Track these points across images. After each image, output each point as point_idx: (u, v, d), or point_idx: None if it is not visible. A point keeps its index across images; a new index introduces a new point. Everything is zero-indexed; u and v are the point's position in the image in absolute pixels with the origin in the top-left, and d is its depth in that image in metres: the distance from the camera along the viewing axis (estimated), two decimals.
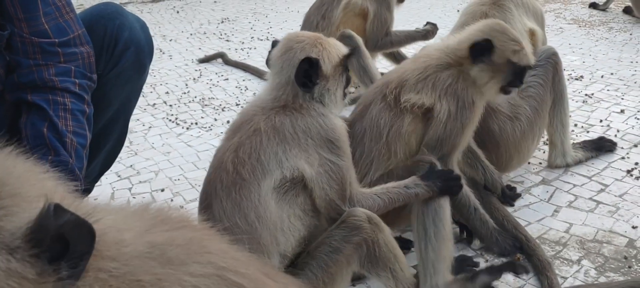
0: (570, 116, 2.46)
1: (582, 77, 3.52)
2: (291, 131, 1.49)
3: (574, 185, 2.32)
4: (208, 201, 1.47)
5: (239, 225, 1.40)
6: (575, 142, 2.55)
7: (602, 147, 2.55)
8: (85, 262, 0.69)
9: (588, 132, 2.78)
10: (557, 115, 2.36)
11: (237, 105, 3.42)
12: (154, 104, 3.50)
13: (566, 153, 2.43)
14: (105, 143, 1.85)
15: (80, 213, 0.69)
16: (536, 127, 2.28)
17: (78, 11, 1.66)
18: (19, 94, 1.55)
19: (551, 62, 2.31)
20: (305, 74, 1.52)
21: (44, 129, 1.50)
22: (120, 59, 1.73)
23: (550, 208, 2.18)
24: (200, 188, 2.43)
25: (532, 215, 2.14)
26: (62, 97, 1.54)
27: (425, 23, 3.43)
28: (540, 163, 2.51)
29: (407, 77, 1.88)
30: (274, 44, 1.64)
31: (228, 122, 3.17)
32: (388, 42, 3.07)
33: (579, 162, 2.46)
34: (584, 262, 1.88)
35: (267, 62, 1.65)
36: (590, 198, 2.22)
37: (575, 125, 2.84)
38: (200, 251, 0.79)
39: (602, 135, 2.68)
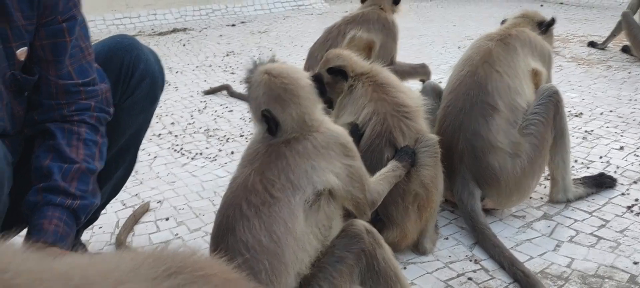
0: (570, 152, 2.49)
1: (581, 113, 3.57)
2: (313, 150, 1.57)
3: (575, 221, 2.34)
4: (230, 224, 1.48)
5: (263, 243, 1.43)
6: (575, 177, 2.58)
7: (602, 183, 2.57)
8: None
9: (588, 168, 2.82)
10: (559, 152, 2.39)
11: (241, 136, 3.47)
12: (160, 134, 3.55)
13: (567, 189, 2.46)
14: (115, 170, 1.89)
15: None
16: (537, 165, 2.31)
17: (93, 44, 1.72)
18: (37, 127, 1.60)
19: (552, 100, 2.35)
20: (321, 89, 1.67)
21: (47, 161, 1.54)
22: (135, 90, 1.78)
23: (552, 243, 2.19)
24: (204, 218, 2.48)
25: (534, 249, 2.16)
26: (77, 127, 1.59)
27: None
28: (542, 198, 2.53)
29: None
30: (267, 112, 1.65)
31: (232, 152, 3.20)
32: (392, 72, 3.13)
33: (579, 198, 2.48)
34: None
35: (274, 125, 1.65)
36: (592, 234, 2.24)
37: (576, 161, 2.87)
38: None
39: (602, 171, 2.71)
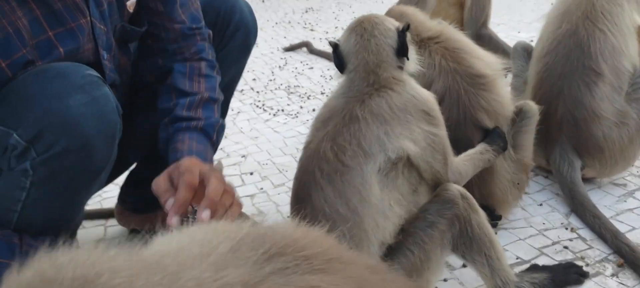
0: None
1: None
2: (389, 112, 1.47)
3: None
4: (305, 192, 1.46)
5: (340, 212, 1.39)
6: None
7: None
8: None
9: None
10: None
11: (322, 94, 3.44)
12: (242, 89, 3.58)
13: None
14: None
15: None
16: None
17: None
18: (161, 71, 1.67)
19: None
20: (401, 46, 1.53)
21: (172, 100, 1.61)
22: (230, 41, 1.78)
23: None
24: (287, 174, 2.49)
25: (636, 220, 2.01)
26: (198, 64, 1.65)
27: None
28: None
29: None
30: (335, 46, 1.60)
31: (314, 110, 3.19)
32: (487, 36, 2.97)
33: None
34: None
35: (338, 61, 1.59)
36: None
37: None
38: None
39: None
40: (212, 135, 1.60)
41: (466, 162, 1.67)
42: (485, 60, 1.93)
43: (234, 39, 1.79)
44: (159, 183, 1.38)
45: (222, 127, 1.67)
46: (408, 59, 1.57)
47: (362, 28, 1.56)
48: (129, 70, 1.71)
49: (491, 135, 1.80)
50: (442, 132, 1.55)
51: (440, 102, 1.82)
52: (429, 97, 1.56)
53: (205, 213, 1.29)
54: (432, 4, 2.97)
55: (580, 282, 1.69)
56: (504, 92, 1.93)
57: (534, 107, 1.97)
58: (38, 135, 1.23)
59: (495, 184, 1.88)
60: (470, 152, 1.72)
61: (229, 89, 1.91)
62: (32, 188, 1.28)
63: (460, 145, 1.72)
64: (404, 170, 1.48)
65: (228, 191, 1.37)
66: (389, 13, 2.10)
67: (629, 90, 2.13)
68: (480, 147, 1.75)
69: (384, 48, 1.53)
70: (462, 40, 1.96)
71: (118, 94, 1.63)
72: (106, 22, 1.50)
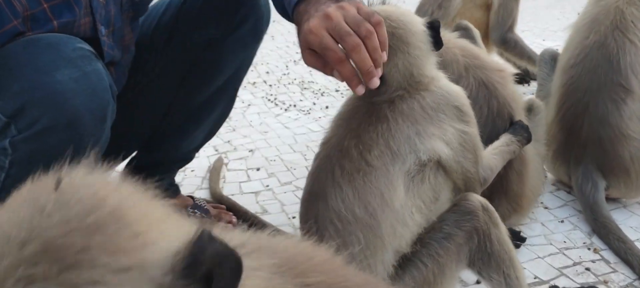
0: None
1: None
2: (421, 112, 1.36)
3: None
4: (321, 189, 1.34)
5: (356, 215, 1.28)
6: None
7: None
8: None
9: None
10: None
11: (336, 91, 3.33)
12: (255, 82, 3.49)
13: None
14: (212, 111, 1.81)
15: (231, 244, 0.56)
16: None
17: None
18: None
19: None
20: (436, 38, 1.41)
21: None
22: (240, 25, 1.67)
23: None
24: (295, 172, 2.38)
25: None
26: None
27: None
28: None
29: None
30: None
31: (327, 107, 3.08)
32: (512, 40, 2.83)
33: None
34: None
35: None
36: None
37: None
38: None
39: None
40: None
41: (495, 156, 1.59)
42: (491, 57, 2.00)
43: (245, 24, 1.68)
44: (309, 61, 1.25)
45: None
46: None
47: (387, 26, 1.42)
48: (132, 48, 1.61)
49: (514, 127, 1.75)
50: (474, 129, 1.45)
51: (475, 95, 1.79)
52: (459, 92, 1.45)
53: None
54: (457, 5, 2.84)
55: None
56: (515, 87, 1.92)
57: (540, 104, 1.95)
58: (20, 110, 1.13)
59: (527, 178, 1.82)
60: (496, 144, 1.65)
61: (236, 77, 1.81)
62: (12, 169, 1.19)
63: (490, 140, 1.69)
64: (430, 174, 1.37)
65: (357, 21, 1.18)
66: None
67: None
68: (506, 138, 1.68)
69: (417, 46, 1.40)
70: (468, 44, 1.96)
71: (118, 72, 1.53)
72: None
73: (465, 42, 1.96)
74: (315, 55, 1.21)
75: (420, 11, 3.02)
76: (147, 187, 0.65)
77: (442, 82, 1.45)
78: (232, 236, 0.70)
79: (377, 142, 1.32)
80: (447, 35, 1.97)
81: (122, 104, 1.65)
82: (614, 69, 1.96)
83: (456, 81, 1.82)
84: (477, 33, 2.69)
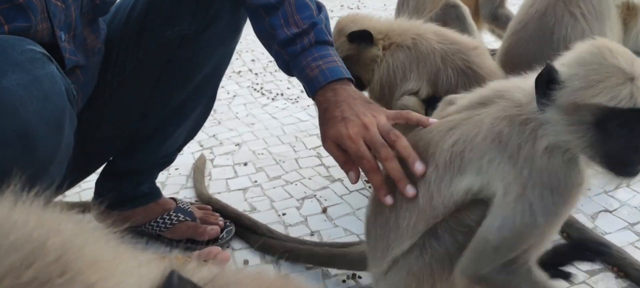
0: None
1: None
2: (515, 150, 1.11)
3: None
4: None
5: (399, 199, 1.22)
6: None
7: None
8: None
9: None
10: None
11: None
12: (240, 71, 3.38)
13: None
14: (192, 109, 1.71)
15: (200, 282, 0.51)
16: None
17: None
18: None
19: None
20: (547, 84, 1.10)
21: (264, 21, 1.45)
22: (215, 19, 1.56)
23: None
24: (284, 165, 2.29)
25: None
26: None
27: None
28: None
29: None
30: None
31: None
32: (504, 16, 2.73)
33: None
34: None
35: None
36: None
37: None
38: None
39: None
40: (328, 38, 1.43)
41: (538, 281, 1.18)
42: (461, 35, 1.94)
43: (221, 18, 1.57)
44: (331, 150, 1.33)
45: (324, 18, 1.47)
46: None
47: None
48: (101, 48, 1.51)
49: None
50: (545, 222, 1.11)
51: (456, 86, 1.77)
52: (575, 183, 1.11)
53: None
54: None
55: None
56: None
57: None
58: None
59: None
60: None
61: (216, 73, 1.71)
62: None
63: None
64: (469, 210, 1.18)
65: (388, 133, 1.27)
66: (339, 24, 1.99)
67: None
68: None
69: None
70: (431, 26, 1.97)
71: (85, 75, 1.43)
72: None
73: (438, 28, 1.95)
74: (340, 149, 1.29)
75: (400, 8, 2.90)
76: (98, 214, 0.56)
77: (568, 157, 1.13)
78: (200, 273, 0.62)
79: (456, 145, 1.19)
80: (422, 27, 1.93)
81: (94, 107, 1.55)
82: (547, 42, 1.84)
83: (435, 75, 1.82)
84: (466, 10, 2.59)
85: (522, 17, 1.98)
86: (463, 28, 2.53)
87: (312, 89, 1.37)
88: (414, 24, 1.98)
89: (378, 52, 1.91)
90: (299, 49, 1.39)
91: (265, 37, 1.47)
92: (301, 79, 1.41)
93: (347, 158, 1.29)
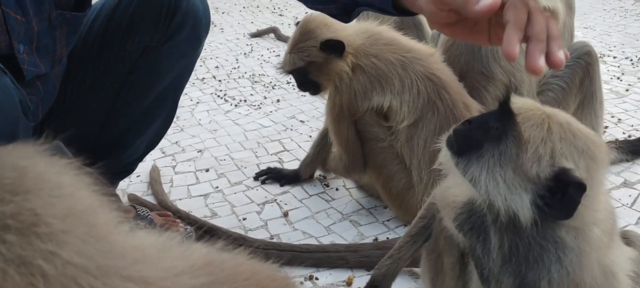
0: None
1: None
2: None
3: None
4: None
5: None
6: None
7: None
8: None
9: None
10: (586, 117, 2.02)
11: (288, 83, 3.27)
12: (203, 78, 3.40)
13: None
14: (153, 120, 1.74)
15: None
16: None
17: None
18: None
19: (581, 64, 1.96)
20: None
21: None
22: (176, 32, 1.59)
23: (634, 215, 1.93)
24: (246, 171, 2.33)
25: None
26: None
27: None
28: (622, 162, 2.24)
29: None
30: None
31: (278, 100, 3.02)
32: None
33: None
34: None
35: None
36: None
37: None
38: None
39: None
40: None
41: None
42: (417, 43, 1.96)
43: (181, 30, 1.60)
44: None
45: None
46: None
47: None
48: (64, 60, 1.52)
49: None
50: None
51: (420, 99, 1.81)
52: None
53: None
54: None
55: None
56: None
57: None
58: None
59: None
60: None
61: (177, 84, 1.73)
62: None
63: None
64: None
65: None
66: (307, 25, 1.92)
67: (537, 91, 1.96)
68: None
69: None
70: (390, 31, 1.98)
71: (46, 86, 1.45)
72: (26, 12, 1.31)
73: (391, 37, 1.92)
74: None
75: None
76: None
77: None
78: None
79: None
80: (383, 32, 1.93)
81: (55, 116, 1.56)
82: (475, 57, 1.94)
83: (400, 83, 1.83)
84: (423, 18, 2.67)
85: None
86: (420, 35, 2.60)
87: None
88: (373, 33, 1.94)
89: (347, 70, 1.86)
90: None
91: None
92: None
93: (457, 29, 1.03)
